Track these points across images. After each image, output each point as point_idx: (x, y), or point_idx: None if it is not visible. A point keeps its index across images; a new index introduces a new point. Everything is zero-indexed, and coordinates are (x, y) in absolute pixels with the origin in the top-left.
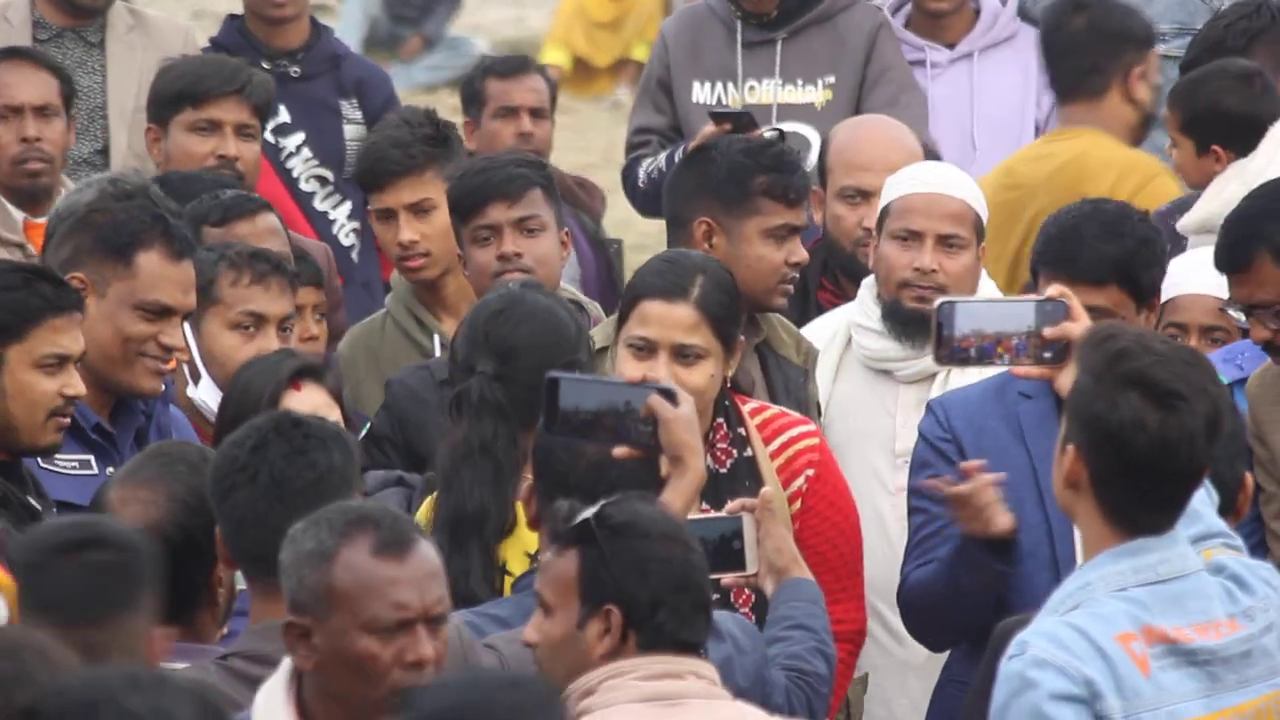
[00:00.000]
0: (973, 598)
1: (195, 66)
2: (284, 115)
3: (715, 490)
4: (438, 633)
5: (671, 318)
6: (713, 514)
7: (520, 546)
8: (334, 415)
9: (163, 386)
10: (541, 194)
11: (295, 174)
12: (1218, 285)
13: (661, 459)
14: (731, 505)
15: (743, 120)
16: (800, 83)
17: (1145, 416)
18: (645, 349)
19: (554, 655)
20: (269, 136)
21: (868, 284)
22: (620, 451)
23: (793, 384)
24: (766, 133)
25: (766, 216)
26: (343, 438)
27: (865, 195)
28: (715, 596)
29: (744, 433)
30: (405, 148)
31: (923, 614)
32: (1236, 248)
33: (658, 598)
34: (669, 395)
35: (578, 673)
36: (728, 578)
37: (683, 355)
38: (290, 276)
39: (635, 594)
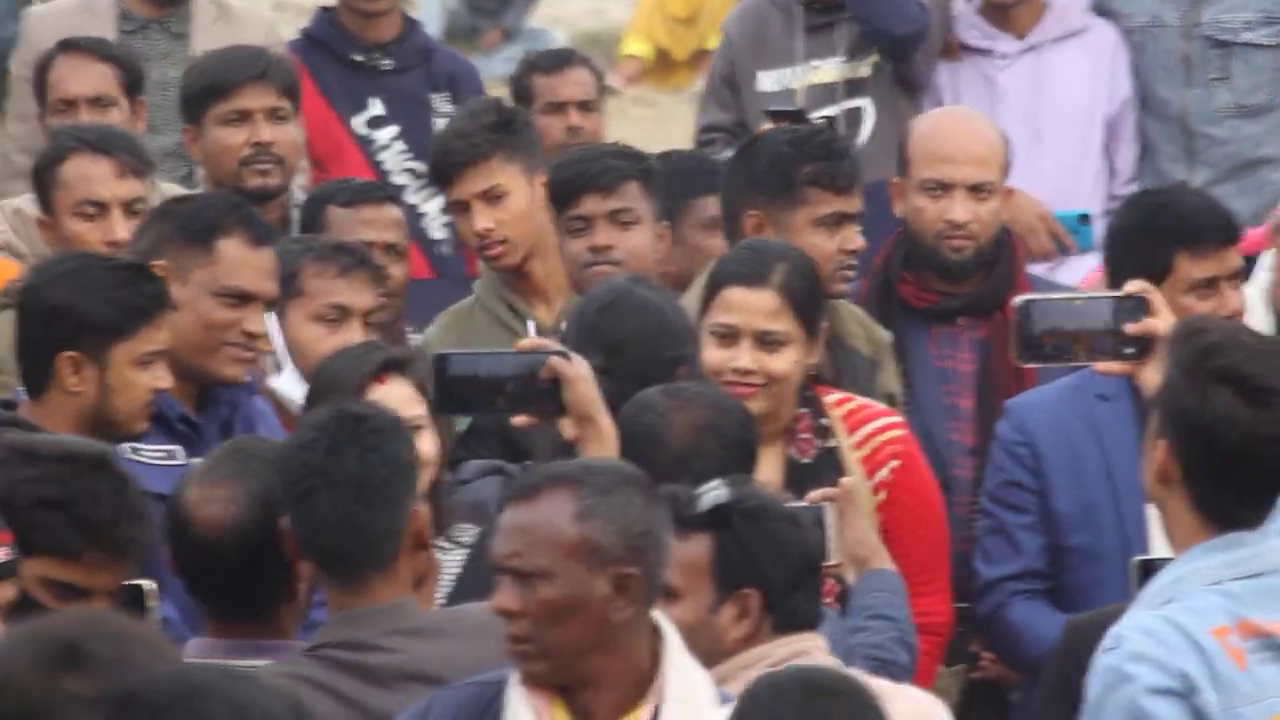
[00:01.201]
0: None
1: (215, 60)
2: (377, 108)
3: (799, 480)
4: None
5: (754, 304)
6: (795, 504)
7: None
8: (419, 409)
9: (247, 375)
10: (638, 187)
11: (386, 167)
12: None
13: (565, 422)
14: (813, 495)
15: (799, 119)
16: (861, 57)
17: (1236, 413)
18: (728, 336)
19: (688, 641)
20: (361, 129)
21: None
22: (520, 420)
23: (859, 375)
24: (815, 121)
25: (815, 206)
26: (403, 426)
27: (947, 188)
28: None
29: (827, 423)
30: (467, 137)
31: (1014, 652)
32: None
33: (793, 580)
34: (565, 357)
35: (711, 657)
36: None
37: (765, 341)
38: (375, 269)
39: (773, 577)
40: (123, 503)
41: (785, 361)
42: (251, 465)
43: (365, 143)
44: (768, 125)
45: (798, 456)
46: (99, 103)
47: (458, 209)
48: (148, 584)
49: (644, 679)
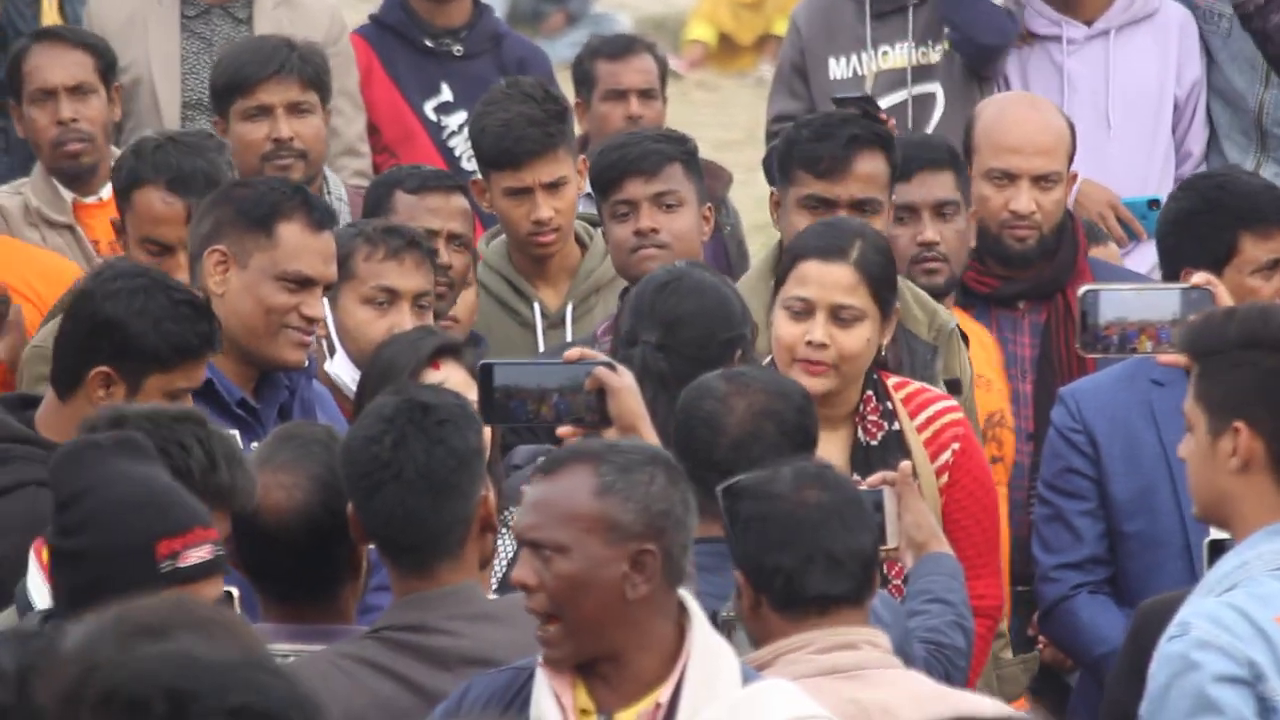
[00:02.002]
0: None
1: (237, 54)
2: (446, 94)
3: (867, 463)
4: None
5: (830, 278)
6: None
7: None
8: (473, 394)
9: (306, 359)
10: (681, 169)
11: (457, 153)
12: None
13: (609, 434)
14: (872, 479)
15: (868, 104)
16: (931, 43)
17: None
18: (803, 310)
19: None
20: (431, 115)
21: None
22: (564, 431)
23: (919, 361)
24: (851, 103)
25: (800, 186)
26: (470, 413)
27: (1012, 178)
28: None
29: (891, 406)
30: (543, 126)
31: (1074, 647)
32: None
33: (777, 562)
34: (611, 368)
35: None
36: None
37: (840, 316)
38: (428, 253)
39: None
40: (215, 448)
41: (858, 339)
42: (311, 450)
43: (435, 129)
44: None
45: (865, 439)
46: (78, 90)
47: (514, 194)
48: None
49: (668, 658)
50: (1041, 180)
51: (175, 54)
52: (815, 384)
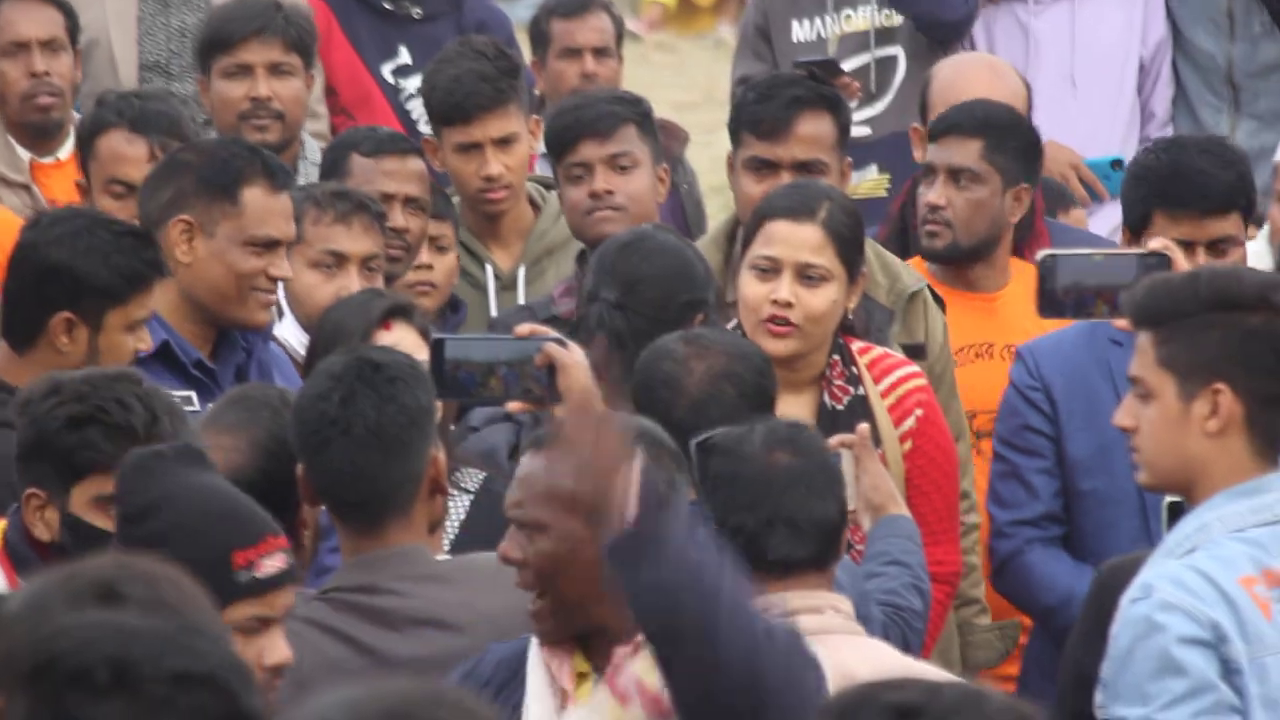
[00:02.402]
0: None
1: (224, 11)
2: (404, 56)
3: (833, 427)
4: None
5: (798, 237)
6: None
7: None
8: (423, 355)
9: (270, 319)
10: (635, 130)
11: (414, 116)
12: None
13: (558, 409)
14: (831, 441)
15: (829, 68)
16: (892, 6)
17: None
18: (770, 269)
19: None
20: (389, 77)
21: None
22: (514, 406)
23: (874, 324)
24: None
25: (745, 148)
26: (420, 372)
27: None
28: None
29: (856, 371)
30: (493, 81)
31: (1028, 600)
32: None
33: (739, 522)
34: (561, 344)
35: None
36: None
37: (807, 276)
38: (376, 216)
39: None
40: (155, 403)
41: (824, 299)
42: (259, 414)
43: (393, 91)
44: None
45: (831, 403)
46: (51, 45)
47: (464, 149)
48: None
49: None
50: None
51: (132, 15)
52: (780, 346)
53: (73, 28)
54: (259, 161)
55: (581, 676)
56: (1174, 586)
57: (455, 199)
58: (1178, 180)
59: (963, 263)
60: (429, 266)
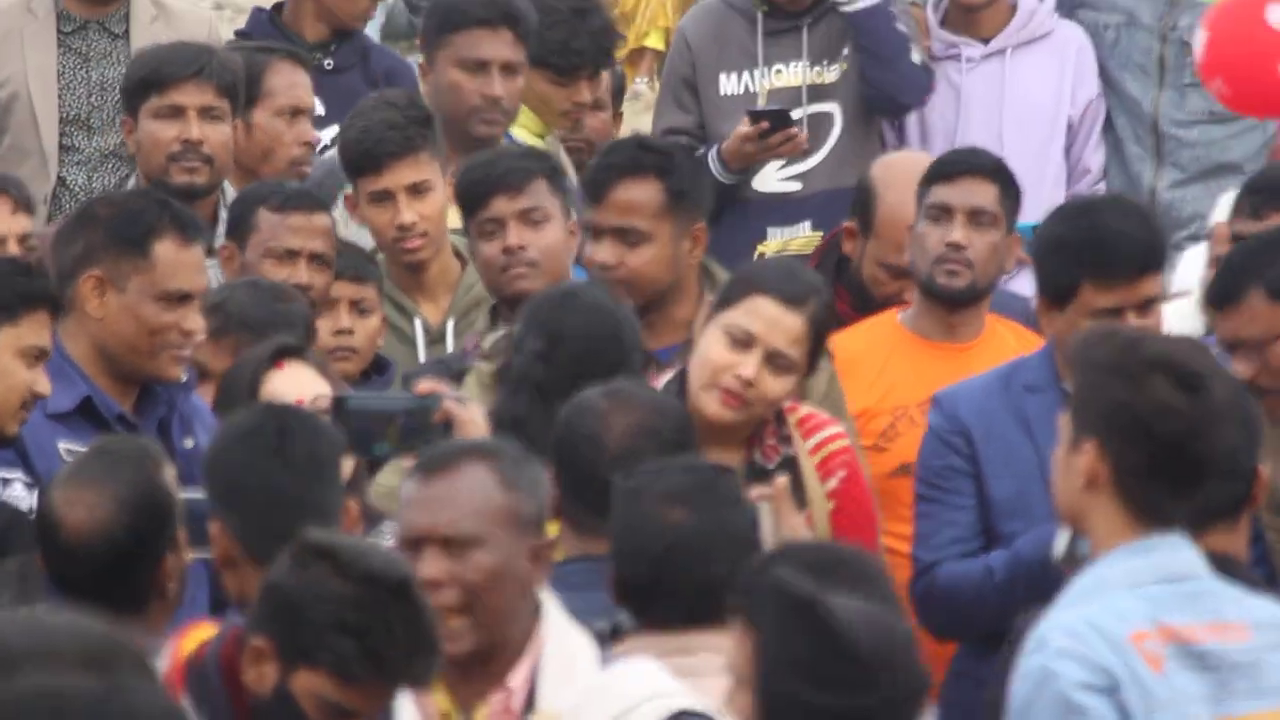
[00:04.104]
0: (1020, 604)
1: (158, 53)
2: (319, 108)
3: (761, 484)
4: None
5: (783, 324)
6: None
7: None
8: (322, 387)
9: (184, 373)
10: (546, 184)
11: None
12: None
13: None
14: (751, 494)
15: (780, 118)
16: (826, 63)
17: (1172, 400)
18: (744, 342)
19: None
20: None
21: None
22: (424, 386)
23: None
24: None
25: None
26: (325, 429)
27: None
28: None
29: (787, 431)
30: (401, 129)
31: (952, 611)
32: (1228, 282)
33: (628, 573)
34: (459, 402)
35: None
36: None
37: (776, 362)
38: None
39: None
40: (417, 637)
41: (783, 388)
42: (119, 469)
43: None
44: (744, 127)
45: (762, 461)
46: None
47: (377, 199)
48: None
49: (520, 647)
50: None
51: (52, 69)
52: (726, 414)
53: None
54: (169, 215)
55: (445, 718)
56: (1066, 636)
57: (380, 257)
58: (1104, 248)
59: (963, 306)
60: (349, 331)
